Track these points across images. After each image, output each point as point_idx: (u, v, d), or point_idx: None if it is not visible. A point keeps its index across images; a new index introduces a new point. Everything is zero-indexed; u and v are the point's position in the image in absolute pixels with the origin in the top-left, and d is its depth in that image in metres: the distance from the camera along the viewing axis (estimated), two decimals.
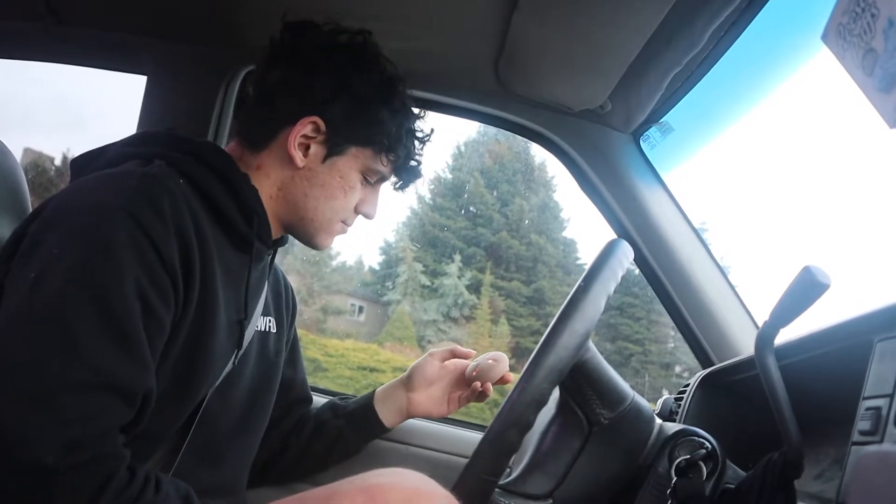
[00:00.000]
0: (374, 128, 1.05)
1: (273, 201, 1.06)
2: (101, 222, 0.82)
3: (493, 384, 1.29)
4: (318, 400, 1.44)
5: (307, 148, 1.04)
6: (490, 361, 1.27)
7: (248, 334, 1.05)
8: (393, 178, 1.14)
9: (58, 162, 10.56)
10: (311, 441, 1.30)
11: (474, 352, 1.30)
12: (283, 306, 1.24)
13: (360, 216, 1.13)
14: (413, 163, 1.13)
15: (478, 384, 1.28)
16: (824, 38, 0.70)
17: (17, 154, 1.28)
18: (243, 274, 1.02)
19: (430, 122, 1.16)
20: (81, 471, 0.73)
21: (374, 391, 1.34)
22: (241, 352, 1.02)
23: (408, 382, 1.31)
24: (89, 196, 0.86)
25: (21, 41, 1.52)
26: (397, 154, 1.08)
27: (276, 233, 1.09)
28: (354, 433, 1.31)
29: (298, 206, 1.06)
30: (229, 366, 1.01)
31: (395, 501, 0.73)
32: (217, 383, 1.00)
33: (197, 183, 0.95)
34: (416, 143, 1.12)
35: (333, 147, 1.04)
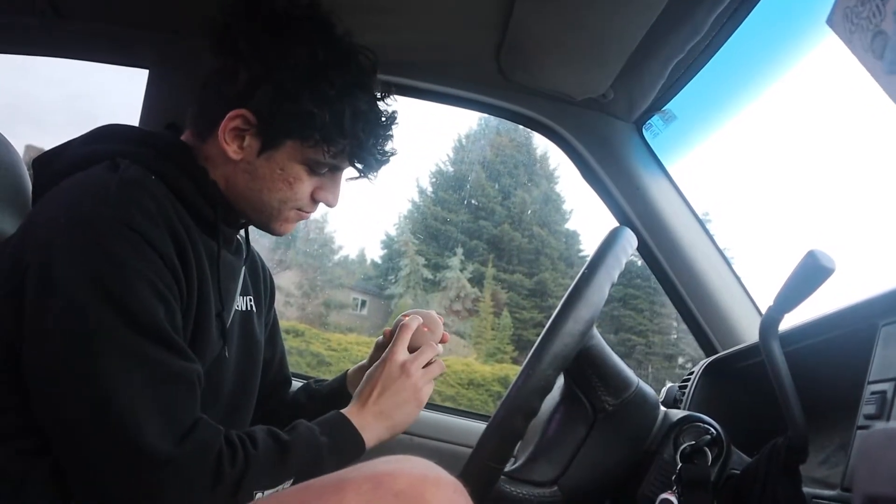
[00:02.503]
0: (301, 120, 0.97)
1: (227, 191, 1.03)
2: (98, 235, 0.84)
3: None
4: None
5: (242, 140, 0.99)
6: (423, 329, 1.17)
7: (229, 315, 1.07)
8: (354, 166, 1.07)
9: None
10: (288, 424, 1.31)
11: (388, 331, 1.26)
12: (261, 286, 1.25)
13: (318, 203, 1.07)
14: (366, 152, 1.04)
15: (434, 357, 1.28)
16: (829, 21, 0.70)
17: (20, 151, 1.28)
18: (214, 259, 1.01)
19: (394, 103, 1.07)
20: (194, 458, 0.82)
21: (345, 372, 1.34)
22: (228, 343, 1.05)
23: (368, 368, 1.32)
24: (76, 210, 0.86)
25: (22, 36, 1.52)
26: (337, 144, 1.00)
27: (241, 216, 1.09)
28: None
29: (244, 197, 1.03)
30: (217, 349, 1.02)
31: (402, 488, 0.73)
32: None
33: (165, 177, 0.96)
34: (370, 130, 1.03)
35: (267, 140, 0.99)
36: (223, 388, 1.07)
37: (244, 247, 1.16)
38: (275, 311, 1.33)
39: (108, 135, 1.02)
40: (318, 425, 0.99)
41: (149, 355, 0.82)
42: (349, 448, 1.00)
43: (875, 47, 0.61)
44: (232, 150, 0.99)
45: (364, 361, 1.35)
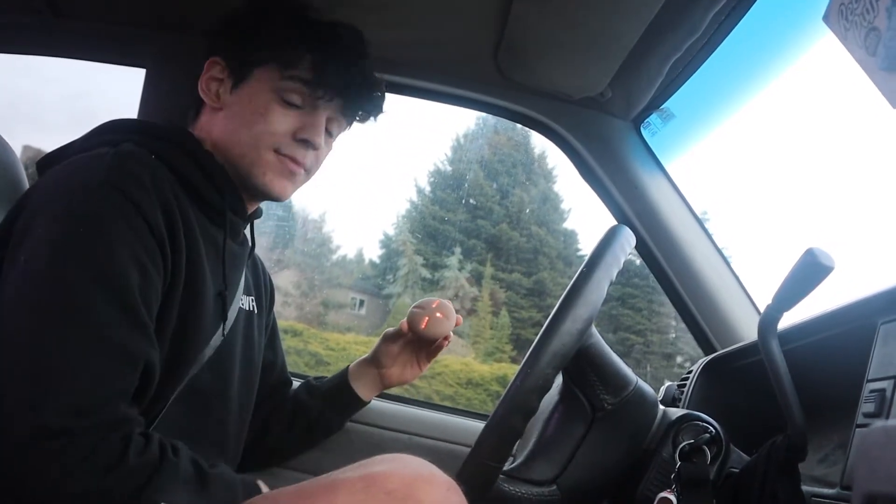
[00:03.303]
0: (263, 43, 1.04)
1: (217, 156, 1.05)
2: (85, 199, 0.85)
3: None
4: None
5: (219, 88, 1.07)
6: (438, 316, 1.25)
7: (233, 310, 1.07)
8: (352, 107, 1.10)
9: None
10: (293, 422, 1.32)
11: (407, 320, 1.30)
12: (262, 288, 1.26)
13: (303, 146, 1.06)
14: (341, 76, 1.06)
15: (443, 342, 1.30)
16: (826, 18, 0.70)
17: (17, 151, 1.28)
18: (220, 246, 1.04)
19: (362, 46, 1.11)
20: (95, 434, 0.75)
21: (346, 368, 1.36)
22: (227, 323, 1.03)
23: (376, 360, 1.34)
24: (69, 178, 0.89)
25: (19, 35, 1.51)
26: (302, 61, 1.04)
27: (248, 205, 1.11)
28: (334, 411, 1.34)
29: (228, 146, 1.05)
30: (218, 338, 1.02)
31: (395, 487, 0.73)
32: (207, 358, 1.01)
33: (168, 160, 0.97)
34: (335, 49, 1.06)
35: (237, 78, 1.05)
36: (228, 381, 1.07)
37: (249, 241, 1.17)
38: (274, 315, 1.34)
39: (112, 127, 1.04)
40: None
41: (98, 320, 0.79)
42: None
43: (868, 44, 0.61)
44: (210, 99, 1.06)
45: (366, 356, 1.35)
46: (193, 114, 1.11)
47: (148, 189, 0.88)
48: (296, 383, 1.42)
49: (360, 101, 1.10)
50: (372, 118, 1.14)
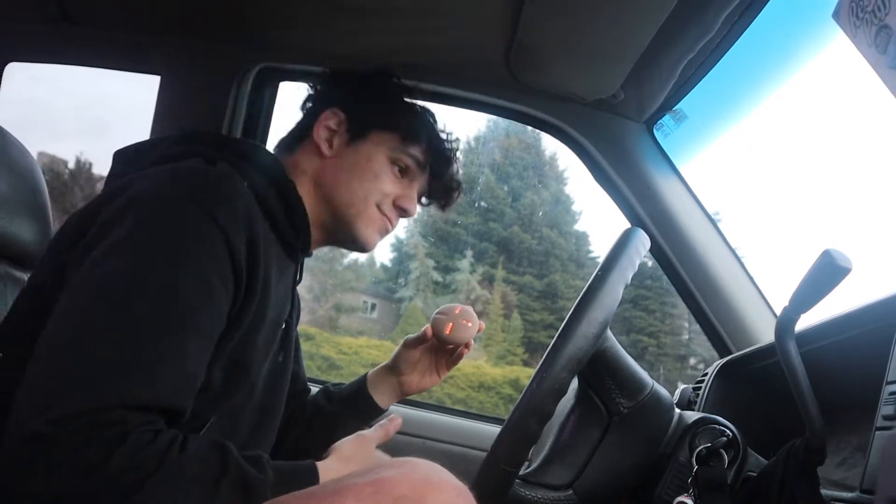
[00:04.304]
0: (393, 114, 1.14)
1: (312, 198, 1.10)
2: (175, 214, 0.85)
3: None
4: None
5: (332, 139, 1.12)
6: (463, 322, 1.24)
7: (282, 324, 1.10)
8: (430, 189, 1.21)
9: (71, 165, 10.64)
10: (311, 426, 1.32)
11: (430, 327, 1.28)
12: (294, 302, 1.26)
13: (398, 212, 1.16)
14: (444, 161, 1.19)
15: (464, 349, 1.30)
16: (835, 15, 0.69)
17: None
18: (289, 279, 1.10)
19: (455, 134, 1.22)
20: (81, 434, 0.70)
21: (365, 375, 1.36)
22: (278, 350, 1.07)
23: (395, 368, 1.34)
24: (163, 187, 0.88)
25: (34, 43, 1.53)
26: (419, 141, 1.14)
27: (317, 242, 1.15)
28: (352, 417, 1.33)
29: (333, 194, 1.11)
30: (268, 363, 1.05)
31: (404, 492, 0.73)
32: (260, 385, 1.04)
33: (259, 193, 0.98)
34: (442, 144, 1.19)
35: (356, 133, 1.12)
36: (255, 399, 1.07)
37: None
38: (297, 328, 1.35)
39: (203, 137, 1.06)
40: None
41: (138, 336, 0.76)
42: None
43: (879, 42, 0.61)
44: (324, 146, 1.11)
45: (386, 363, 1.35)
46: (291, 144, 1.15)
47: (238, 215, 0.88)
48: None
49: (443, 192, 1.23)
50: (444, 208, 1.26)
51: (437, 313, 1.28)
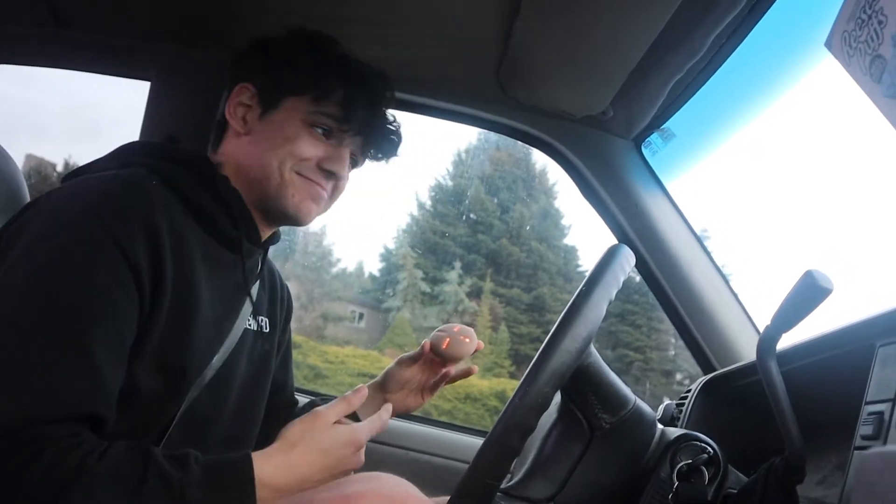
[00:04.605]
0: (298, 75, 1.08)
1: (240, 183, 1.07)
2: (67, 226, 0.85)
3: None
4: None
5: (246, 114, 1.09)
6: (461, 338, 1.25)
7: (237, 331, 1.06)
8: (365, 149, 1.15)
9: (59, 168, 10.59)
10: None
11: (430, 341, 1.28)
12: (278, 306, 1.25)
13: (325, 175, 1.09)
14: (366, 115, 1.10)
15: (451, 369, 1.29)
16: (828, 44, 0.70)
17: (20, 160, 1.28)
18: (234, 271, 1.05)
19: (389, 89, 1.15)
20: (9, 448, 0.72)
21: None
22: (224, 347, 1.03)
23: (384, 386, 1.32)
24: (58, 201, 0.90)
25: (25, 46, 1.52)
26: (334, 97, 1.08)
27: (263, 230, 1.11)
28: None
29: (251, 170, 1.07)
30: (218, 362, 1.01)
31: None
32: (206, 382, 1.00)
33: (177, 186, 0.98)
34: (363, 88, 1.10)
35: (266, 105, 1.08)
36: (227, 403, 1.07)
37: (259, 266, 1.16)
38: (289, 335, 1.33)
39: (130, 150, 1.06)
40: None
41: (36, 351, 0.77)
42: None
43: (873, 71, 0.62)
44: (238, 124, 1.08)
45: (377, 379, 1.34)
46: (216, 138, 1.13)
47: (130, 218, 0.87)
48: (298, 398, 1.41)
49: (380, 140, 1.16)
50: (385, 159, 1.20)
51: (437, 331, 1.29)
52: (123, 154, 1.04)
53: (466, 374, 1.31)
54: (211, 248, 1.01)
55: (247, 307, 1.09)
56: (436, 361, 1.29)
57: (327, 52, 1.12)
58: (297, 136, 1.07)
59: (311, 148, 1.07)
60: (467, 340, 1.25)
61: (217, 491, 0.80)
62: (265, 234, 1.13)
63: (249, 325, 1.12)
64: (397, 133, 1.18)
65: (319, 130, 1.08)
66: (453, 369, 1.30)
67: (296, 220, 1.10)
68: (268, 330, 1.18)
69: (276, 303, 1.25)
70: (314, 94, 1.07)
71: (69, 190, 0.92)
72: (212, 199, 1.01)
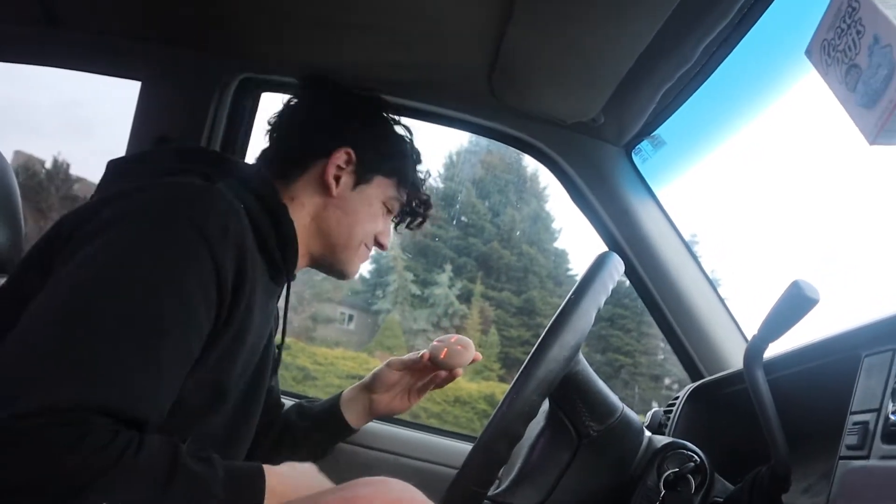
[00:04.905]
0: (397, 161, 1.18)
1: (306, 231, 1.12)
2: (168, 229, 0.85)
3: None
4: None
5: (339, 178, 1.13)
6: (458, 348, 1.27)
7: (263, 345, 1.10)
8: (407, 216, 1.27)
9: (48, 165, 10.51)
10: (279, 442, 1.31)
11: (429, 352, 1.29)
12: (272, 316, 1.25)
13: (376, 245, 1.21)
14: (423, 197, 1.25)
15: (442, 372, 1.30)
16: (808, 53, 0.71)
17: (8, 156, 1.28)
18: (273, 301, 1.11)
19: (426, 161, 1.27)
20: (49, 430, 0.70)
21: (340, 393, 1.36)
22: (256, 368, 1.07)
23: (370, 386, 1.33)
24: (159, 201, 0.89)
25: (16, 44, 1.51)
26: (415, 185, 1.21)
27: (301, 266, 1.16)
28: (321, 435, 1.33)
29: (331, 233, 1.14)
30: (249, 375, 1.05)
31: None
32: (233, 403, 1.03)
33: (252, 214, 0.98)
34: (420, 180, 1.24)
35: (362, 176, 1.14)
36: (227, 413, 1.07)
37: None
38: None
39: (199, 156, 1.09)
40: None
41: (110, 339, 0.76)
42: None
43: (849, 80, 0.62)
44: (333, 186, 1.12)
45: (363, 381, 1.34)
46: (285, 169, 1.13)
47: (228, 234, 0.88)
48: (285, 401, 1.41)
49: (415, 222, 1.30)
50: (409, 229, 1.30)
51: (436, 341, 1.31)
52: (194, 159, 1.05)
53: (452, 377, 1.32)
54: (264, 274, 1.03)
55: (267, 332, 1.13)
56: (426, 366, 1.29)
57: (410, 138, 1.23)
58: (378, 215, 1.18)
59: (381, 225, 1.19)
60: (462, 349, 1.27)
61: (235, 492, 0.81)
62: (301, 267, 1.18)
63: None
64: (431, 209, 1.29)
65: (391, 208, 1.20)
66: (442, 373, 1.30)
67: (342, 278, 1.21)
68: (265, 342, 1.19)
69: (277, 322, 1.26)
70: (398, 179, 1.18)
71: (168, 192, 0.90)
72: (269, 225, 1.03)
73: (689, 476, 0.90)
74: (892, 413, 0.66)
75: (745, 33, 1.15)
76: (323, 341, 11.84)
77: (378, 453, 1.46)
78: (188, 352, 0.85)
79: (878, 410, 0.69)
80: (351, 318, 12.76)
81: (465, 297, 12.52)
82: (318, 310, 12.42)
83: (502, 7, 1.13)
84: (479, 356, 1.30)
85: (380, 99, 1.23)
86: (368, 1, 1.22)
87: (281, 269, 1.07)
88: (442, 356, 1.27)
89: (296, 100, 1.22)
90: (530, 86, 1.38)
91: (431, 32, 1.30)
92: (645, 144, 1.50)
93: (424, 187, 1.26)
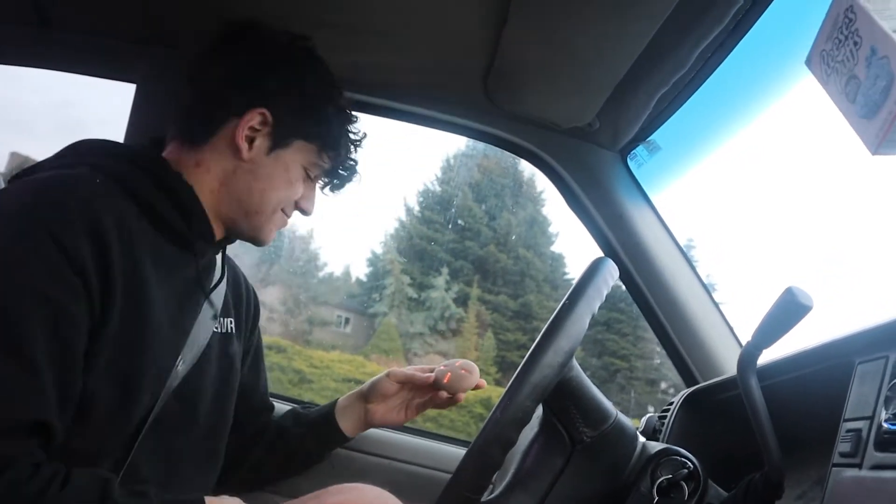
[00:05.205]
0: (320, 125, 1.08)
1: (215, 196, 1.05)
2: (7, 230, 0.83)
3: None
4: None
5: (252, 140, 1.05)
6: (462, 372, 1.27)
7: (204, 335, 1.05)
8: (327, 179, 1.17)
9: None
10: (273, 448, 1.29)
11: (433, 375, 1.29)
12: (244, 307, 1.24)
13: (297, 211, 1.15)
14: (350, 163, 1.16)
15: (444, 393, 1.28)
16: (808, 62, 0.71)
17: (4, 158, 1.27)
18: (187, 271, 1.02)
19: (363, 125, 1.19)
20: None
21: (336, 400, 1.35)
22: (186, 352, 1.01)
23: (367, 395, 1.31)
24: (6, 203, 0.88)
25: (9, 45, 1.51)
26: (338, 152, 1.11)
27: (219, 232, 1.09)
28: (315, 442, 1.32)
29: (242, 199, 1.06)
30: (183, 367, 1.00)
31: None
32: (174, 387, 0.99)
33: (126, 184, 0.95)
34: (352, 145, 1.15)
35: (279, 139, 1.06)
36: (198, 408, 1.06)
37: (220, 266, 1.14)
38: (259, 337, 1.31)
39: (79, 148, 1.02)
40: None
41: None
42: None
43: (849, 91, 0.62)
44: (245, 149, 1.04)
45: (360, 388, 1.33)
46: (194, 132, 1.06)
47: (73, 219, 0.85)
48: (280, 405, 1.40)
49: (338, 184, 1.19)
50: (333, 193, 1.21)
51: (442, 366, 1.30)
52: (70, 153, 1.01)
53: (454, 401, 1.30)
54: (163, 248, 0.98)
55: (207, 310, 1.07)
56: (426, 385, 1.29)
57: (340, 101, 1.12)
58: (297, 180, 1.09)
59: (300, 190, 1.11)
60: (467, 375, 1.27)
61: None
62: (220, 234, 1.10)
63: (216, 328, 1.10)
64: (357, 175, 1.20)
65: (312, 174, 1.11)
66: (443, 394, 1.29)
67: (256, 244, 1.13)
68: (234, 331, 1.17)
69: (242, 304, 1.23)
70: (321, 144, 1.09)
71: (11, 191, 0.90)
72: (160, 194, 0.98)
73: (683, 483, 0.90)
74: (885, 421, 0.66)
75: (741, 38, 1.15)
76: (319, 344, 11.82)
77: (372, 458, 1.45)
78: (63, 345, 0.82)
79: (871, 418, 0.69)
80: (347, 321, 12.75)
81: (462, 301, 12.53)
82: (315, 313, 12.41)
83: (497, 11, 1.13)
84: (484, 383, 1.28)
85: (304, 51, 1.11)
86: (363, 4, 1.22)
87: (183, 229, 1.00)
88: (445, 380, 1.26)
89: (212, 52, 1.10)
90: (525, 90, 1.38)
91: (426, 36, 1.30)
92: (640, 149, 1.50)
93: (355, 150, 1.17)
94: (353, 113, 1.16)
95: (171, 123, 1.10)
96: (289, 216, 1.13)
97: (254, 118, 1.04)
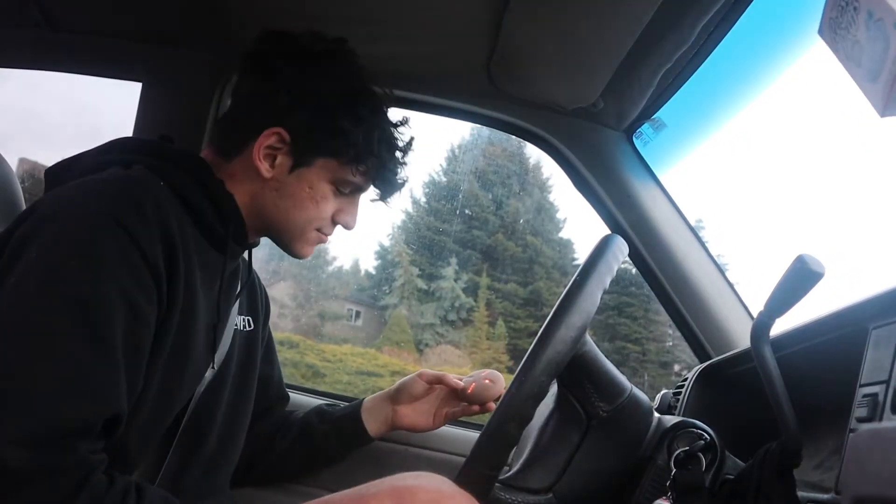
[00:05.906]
0: (337, 138, 1.03)
1: (247, 209, 1.05)
2: (83, 227, 0.83)
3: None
4: (311, 401, 1.45)
5: (274, 159, 1.03)
6: (486, 381, 1.27)
7: (228, 335, 1.07)
8: (372, 190, 1.13)
9: None
10: (296, 444, 1.30)
11: (462, 383, 1.29)
12: (258, 304, 1.26)
13: (335, 225, 1.12)
14: (389, 173, 1.10)
15: (473, 407, 1.29)
16: (820, 31, 0.71)
17: (13, 164, 1.28)
18: (217, 273, 1.03)
19: (411, 130, 1.13)
20: (51, 475, 0.72)
21: (362, 400, 1.35)
22: (217, 354, 1.03)
23: (395, 396, 1.31)
24: (72, 202, 0.87)
25: (14, 48, 1.52)
26: (367, 165, 1.06)
27: (251, 236, 1.10)
28: (339, 440, 1.32)
29: (270, 216, 1.06)
30: (210, 369, 1.02)
31: (424, 501, 0.75)
32: (204, 387, 1.02)
33: (176, 187, 0.96)
34: (392, 152, 1.09)
35: (299, 158, 1.03)
36: (221, 405, 1.08)
37: (247, 266, 1.17)
38: (269, 330, 1.33)
39: (124, 146, 1.03)
40: None
41: (68, 357, 0.76)
42: None
43: (855, 55, 0.62)
44: (264, 167, 1.02)
45: (389, 389, 1.33)
46: (225, 147, 1.06)
47: (148, 220, 0.86)
48: (294, 395, 1.41)
49: (395, 192, 1.15)
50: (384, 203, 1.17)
51: (470, 374, 1.31)
52: (117, 150, 1.01)
53: (485, 410, 1.29)
54: (206, 252, 1.00)
55: (235, 309, 1.10)
56: (454, 393, 1.30)
57: (361, 111, 1.05)
58: (325, 197, 1.06)
59: (333, 205, 1.07)
60: (492, 384, 1.27)
61: None
62: (252, 238, 1.11)
63: (238, 325, 1.13)
64: (403, 185, 1.15)
65: (345, 190, 1.07)
66: (476, 407, 1.30)
67: (293, 256, 1.11)
68: (252, 328, 1.19)
69: (256, 301, 1.25)
70: (346, 159, 1.04)
71: (79, 190, 0.89)
72: (205, 199, 1.00)
73: (700, 454, 0.90)
74: None
75: (743, 11, 1.14)
76: (331, 338, 11.85)
77: (389, 444, 1.46)
78: (138, 342, 0.84)
79: (887, 382, 0.69)
80: (358, 314, 12.77)
81: (472, 290, 12.52)
82: (325, 307, 12.43)
83: None
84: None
85: (317, 60, 1.05)
86: None
87: (222, 234, 1.01)
88: (469, 391, 1.27)
89: (242, 66, 1.09)
90: (529, 73, 1.38)
91: (429, 23, 1.30)
92: (646, 128, 1.50)
93: (403, 156, 1.11)
94: (397, 117, 1.12)
95: (212, 129, 1.10)
96: (328, 233, 1.10)
97: (269, 139, 1.01)
